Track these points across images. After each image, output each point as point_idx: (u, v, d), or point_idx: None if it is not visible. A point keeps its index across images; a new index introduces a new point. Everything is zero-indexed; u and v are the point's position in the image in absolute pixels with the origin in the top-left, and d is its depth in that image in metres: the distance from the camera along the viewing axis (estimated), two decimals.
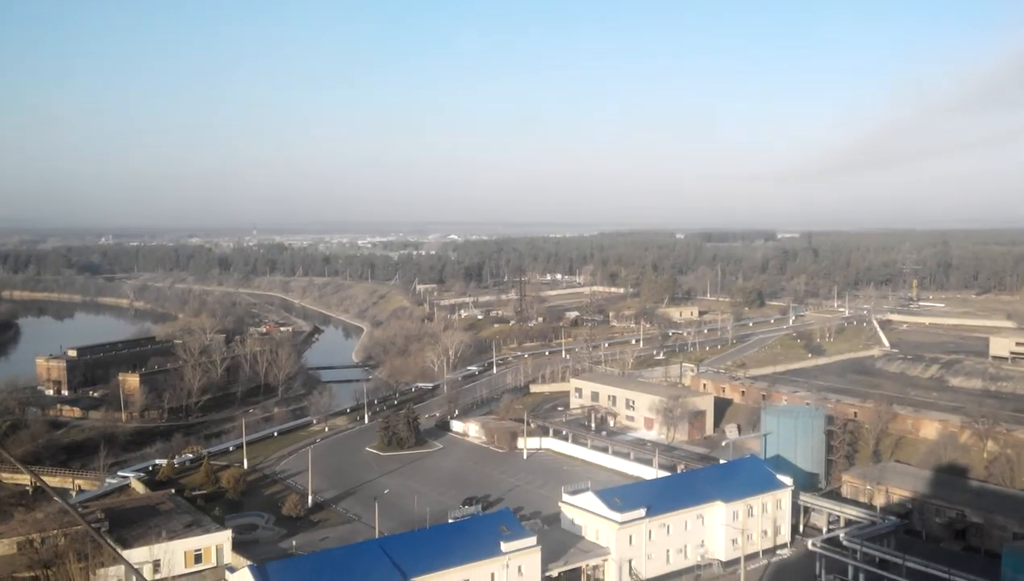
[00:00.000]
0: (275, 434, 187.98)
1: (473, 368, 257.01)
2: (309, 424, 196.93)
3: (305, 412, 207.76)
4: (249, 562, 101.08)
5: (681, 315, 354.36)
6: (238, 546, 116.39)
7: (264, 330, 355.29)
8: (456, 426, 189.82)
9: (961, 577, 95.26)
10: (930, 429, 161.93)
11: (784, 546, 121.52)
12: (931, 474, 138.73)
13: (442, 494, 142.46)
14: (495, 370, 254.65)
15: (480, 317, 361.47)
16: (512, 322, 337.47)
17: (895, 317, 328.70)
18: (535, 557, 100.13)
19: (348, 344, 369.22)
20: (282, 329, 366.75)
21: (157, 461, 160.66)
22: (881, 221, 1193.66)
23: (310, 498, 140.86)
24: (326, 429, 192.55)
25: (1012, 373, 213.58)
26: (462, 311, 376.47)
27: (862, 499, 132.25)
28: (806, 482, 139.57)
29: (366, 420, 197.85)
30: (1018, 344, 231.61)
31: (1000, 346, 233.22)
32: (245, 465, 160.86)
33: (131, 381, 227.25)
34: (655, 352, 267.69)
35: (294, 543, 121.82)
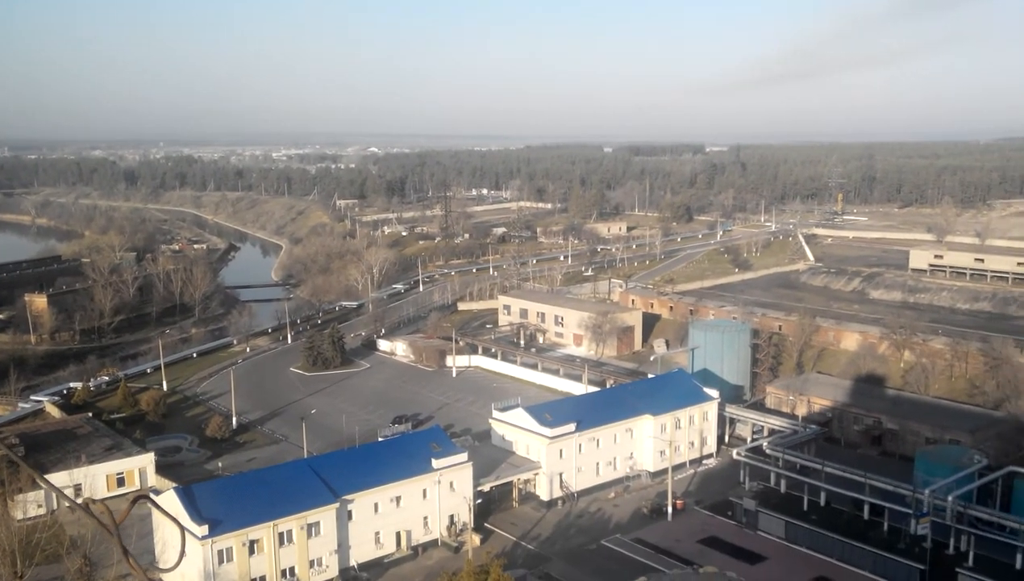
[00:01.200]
0: (194, 355, 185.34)
1: (399, 286, 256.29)
2: (229, 345, 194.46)
3: (224, 333, 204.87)
4: (174, 484, 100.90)
5: (609, 231, 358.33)
6: (162, 469, 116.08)
7: (177, 248, 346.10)
8: (383, 345, 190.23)
9: (876, 480, 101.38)
10: (851, 341, 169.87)
11: (710, 456, 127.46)
12: (851, 384, 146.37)
13: (371, 413, 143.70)
14: (421, 288, 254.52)
15: (404, 234, 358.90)
16: (438, 239, 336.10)
17: (820, 231, 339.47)
18: (467, 473, 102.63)
19: (267, 262, 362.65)
20: (196, 246, 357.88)
21: (72, 384, 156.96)
22: (808, 134, 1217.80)
23: (234, 419, 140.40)
24: (247, 350, 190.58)
25: (930, 285, 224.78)
26: (385, 227, 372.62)
27: (785, 409, 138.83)
28: (732, 394, 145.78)
29: (289, 340, 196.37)
30: (936, 257, 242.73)
31: (919, 259, 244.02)
32: (164, 387, 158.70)
33: (38, 302, 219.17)
34: (584, 268, 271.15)
35: (220, 464, 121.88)
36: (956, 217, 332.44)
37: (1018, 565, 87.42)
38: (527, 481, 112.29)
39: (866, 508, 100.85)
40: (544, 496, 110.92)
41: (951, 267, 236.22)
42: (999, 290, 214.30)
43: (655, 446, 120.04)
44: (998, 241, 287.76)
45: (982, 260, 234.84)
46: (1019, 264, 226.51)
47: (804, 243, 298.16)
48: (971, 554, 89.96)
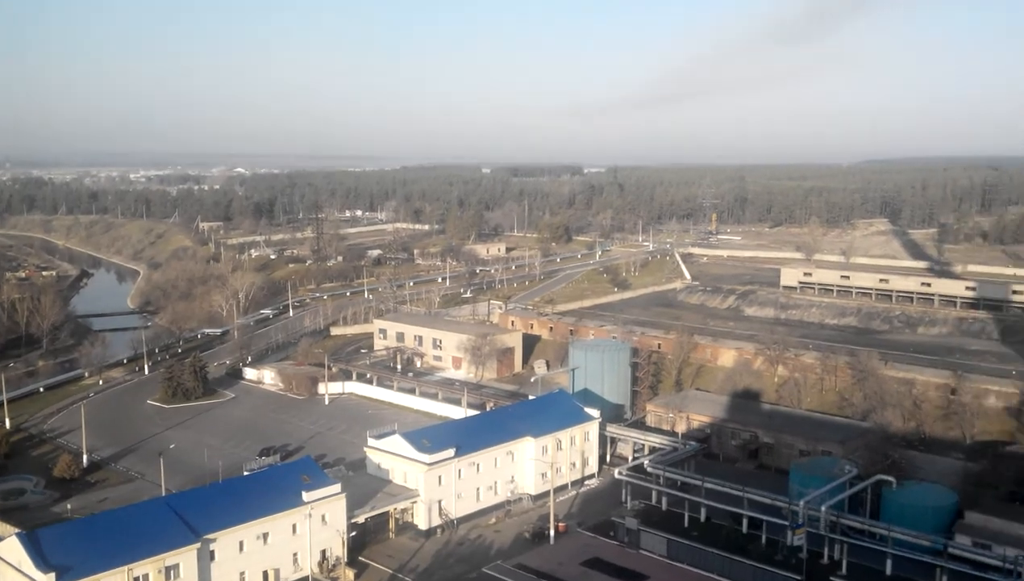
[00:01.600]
0: (41, 390, 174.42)
1: (267, 311, 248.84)
2: (80, 377, 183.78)
3: (75, 364, 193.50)
4: (17, 530, 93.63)
5: (488, 252, 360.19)
6: (4, 513, 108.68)
7: (23, 275, 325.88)
8: (249, 373, 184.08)
9: (754, 493, 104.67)
10: (727, 357, 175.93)
11: (592, 476, 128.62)
12: (728, 399, 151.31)
13: (236, 446, 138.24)
14: (291, 313, 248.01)
15: (273, 257, 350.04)
16: (309, 262, 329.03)
17: (696, 250, 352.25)
18: (339, 504, 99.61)
19: (123, 289, 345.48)
20: (44, 273, 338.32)
21: None
22: (683, 156, 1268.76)
23: (85, 457, 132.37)
24: (100, 382, 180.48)
25: (800, 301, 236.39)
26: (253, 250, 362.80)
27: (665, 427, 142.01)
28: (613, 413, 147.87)
29: (146, 371, 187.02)
30: (806, 274, 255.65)
31: (790, 276, 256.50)
32: (7, 425, 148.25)
33: None
34: (462, 290, 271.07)
35: (69, 506, 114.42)
36: (823, 236, 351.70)
37: (888, 571, 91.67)
38: (404, 510, 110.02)
39: (745, 522, 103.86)
40: (422, 525, 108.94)
41: (819, 284, 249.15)
42: (864, 305, 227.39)
43: (537, 468, 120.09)
44: (861, 259, 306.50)
45: (848, 277, 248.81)
46: (881, 281, 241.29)
47: (681, 262, 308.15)
48: (844, 562, 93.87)
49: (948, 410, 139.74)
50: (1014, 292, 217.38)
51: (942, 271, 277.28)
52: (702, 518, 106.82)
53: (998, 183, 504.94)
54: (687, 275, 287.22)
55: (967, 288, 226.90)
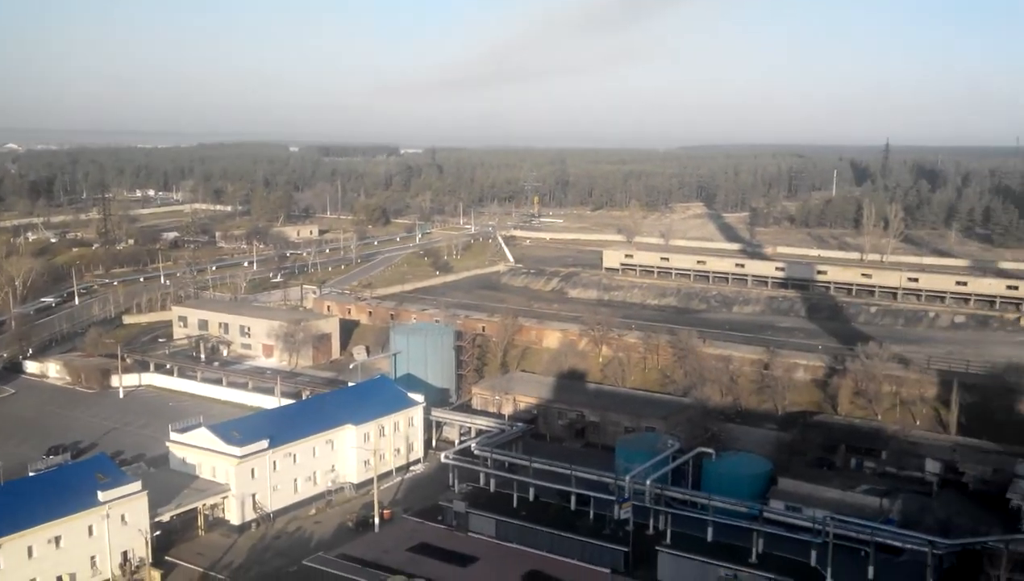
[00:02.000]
0: None
1: (48, 299, 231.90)
2: None
3: None
4: None
5: (299, 234, 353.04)
6: None
7: None
8: (31, 367, 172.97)
9: (581, 471, 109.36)
10: (552, 338, 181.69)
11: (418, 462, 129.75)
12: (554, 380, 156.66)
13: (18, 446, 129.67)
14: (77, 300, 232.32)
15: (54, 240, 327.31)
16: (96, 245, 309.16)
17: (518, 233, 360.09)
18: (140, 503, 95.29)
19: None
20: None
21: None
22: (504, 138, 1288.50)
23: None
24: None
25: (622, 283, 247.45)
26: (30, 234, 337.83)
27: (492, 409, 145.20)
28: (438, 397, 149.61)
29: None
30: (627, 256, 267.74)
31: (612, 258, 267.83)
32: None
33: None
34: (272, 274, 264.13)
35: None
36: (643, 219, 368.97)
37: (709, 538, 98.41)
38: (215, 506, 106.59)
39: (573, 499, 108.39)
40: (235, 520, 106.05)
41: (641, 266, 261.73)
42: (683, 286, 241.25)
43: (359, 456, 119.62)
44: (680, 241, 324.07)
45: (667, 259, 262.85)
46: (699, 262, 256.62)
47: (504, 245, 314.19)
48: (668, 532, 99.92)
49: (762, 384, 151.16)
50: (819, 272, 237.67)
51: (754, 253, 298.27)
52: (531, 498, 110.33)
53: (803, 170, 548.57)
54: (510, 258, 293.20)
55: (777, 269, 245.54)
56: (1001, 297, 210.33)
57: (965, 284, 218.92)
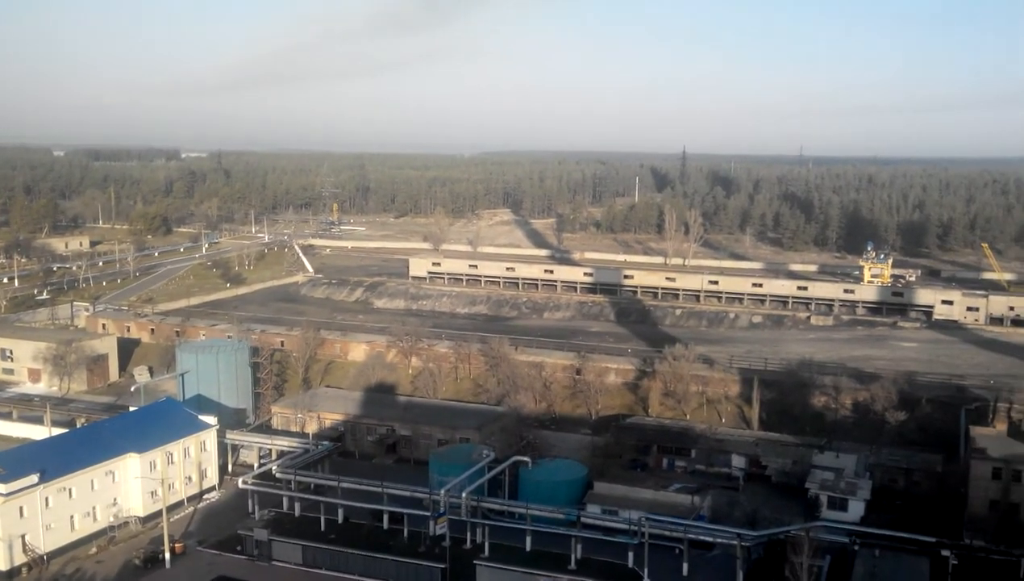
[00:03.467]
0: None
1: None
2: None
3: None
4: None
5: (68, 246, 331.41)
6: None
7: None
8: None
9: (394, 488, 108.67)
10: (358, 351, 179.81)
11: (212, 489, 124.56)
12: (361, 395, 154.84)
13: None
14: None
15: None
16: None
17: (318, 241, 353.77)
18: None
19: None
20: None
21: None
22: (297, 142, 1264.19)
23: None
24: None
25: (430, 291, 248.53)
26: None
27: (294, 428, 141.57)
28: (234, 419, 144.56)
29: None
30: (434, 264, 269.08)
31: (419, 267, 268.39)
32: None
33: None
34: (37, 291, 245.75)
35: None
36: (449, 226, 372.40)
37: (528, 547, 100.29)
38: None
39: (386, 518, 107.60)
40: (2, 565, 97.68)
41: (449, 274, 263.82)
42: (493, 293, 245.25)
43: (144, 487, 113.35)
44: (488, 248, 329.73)
45: (476, 266, 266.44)
46: (508, 269, 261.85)
47: (302, 254, 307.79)
48: (486, 545, 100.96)
49: (575, 389, 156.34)
50: (626, 277, 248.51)
51: (563, 259, 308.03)
52: (340, 520, 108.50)
53: (606, 176, 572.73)
54: (309, 268, 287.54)
55: (585, 274, 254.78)
56: (793, 297, 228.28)
57: (760, 286, 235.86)
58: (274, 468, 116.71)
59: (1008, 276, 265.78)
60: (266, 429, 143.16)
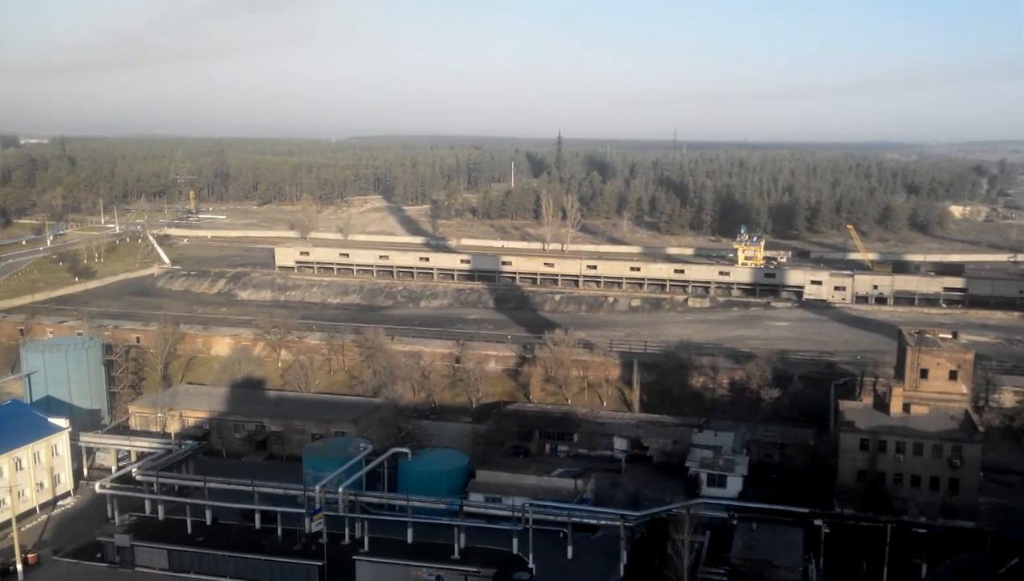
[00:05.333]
0: None
1: None
2: None
3: None
4: None
5: None
6: None
7: None
8: None
9: (265, 486, 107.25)
10: (223, 345, 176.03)
11: (67, 495, 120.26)
12: (227, 391, 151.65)
13: None
14: None
15: None
16: None
17: (174, 231, 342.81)
18: None
19: None
20: None
21: None
22: (148, 127, 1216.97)
23: None
24: None
25: (299, 282, 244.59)
26: None
27: (155, 428, 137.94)
28: (87, 420, 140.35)
29: None
30: (303, 253, 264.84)
31: (286, 256, 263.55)
32: None
33: None
34: None
35: None
36: (317, 213, 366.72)
37: (410, 539, 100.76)
38: None
39: (258, 517, 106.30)
40: None
41: (318, 263, 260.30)
42: (366, 282, 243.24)
43: None
44: (359, 236, 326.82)
45: (347, 255, 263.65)
46: (381, 257, 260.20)
47: (157, 245, 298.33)
48: (366, 539, 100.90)
49: (454, 378, 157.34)
50: (504, 263, 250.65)
51: (439, 246, 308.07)
52: (208, 521, 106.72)
53: (481, 161, 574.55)
54: (166, 259, 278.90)
55: (462, 261, 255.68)
56: (670, 280, 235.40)
57: (638, 270, 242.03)
58: (134, 470, 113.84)
59: (872, 256, 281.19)
60: (124, 430, 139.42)
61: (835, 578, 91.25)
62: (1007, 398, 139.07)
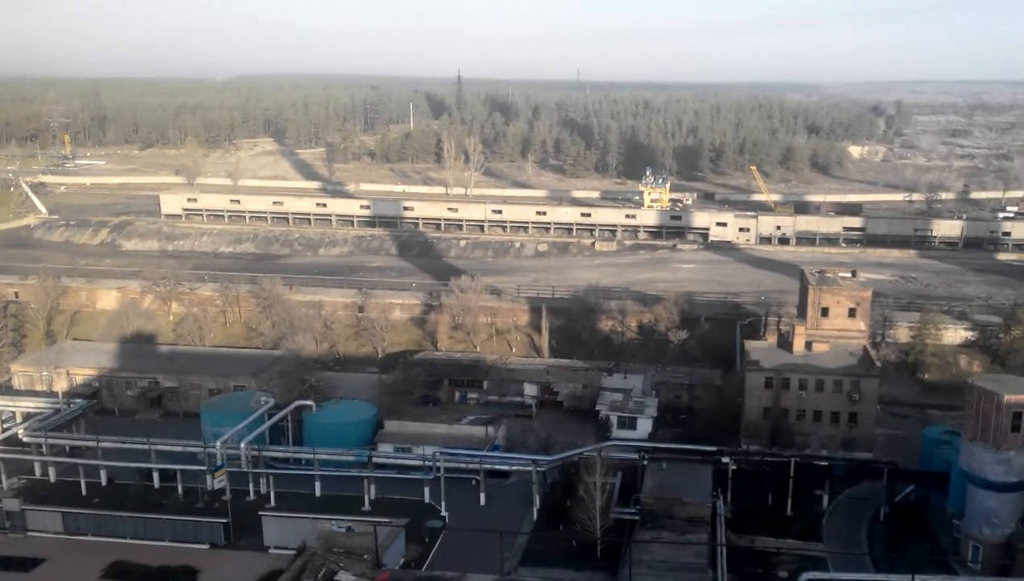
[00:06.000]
0: None
1: None
2: None
3: None
4: None
5: None
6: None
7: None
8: None
9: (162, 444, 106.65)
10: (109, 299, 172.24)
11: None
12: (117, 346, 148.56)
13: None
14: None
15: None
16: None
17: (50, 179, 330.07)
18: None
19: None
20: None
21: None
22: (15, 66, 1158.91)
23: None
24: None
25: (188, 230, 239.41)
26: None
27: (41, 387, 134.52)
28: None
29: None
30: (190, 200, 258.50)
31: (172, 203, 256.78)
32: None
33: None
34: None
35: None
36: (204, 158, 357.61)
37: (318, 493, 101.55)
38: None
39: (156, 476, 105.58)
40: None
41: (208, 210, 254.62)
42: (260, 230, 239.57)
43: None
44: (251, 181, 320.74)
45: (239, 201, 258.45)
46: (275, 203, 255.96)
47: (31, 194, 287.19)
48: (272, 494, 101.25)
49: (358, 327, 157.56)
50: (405, 208, 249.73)
51: (336, 191, 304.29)
52: (104, 482, 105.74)
53: (378, 102, 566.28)
54: (42, 209, 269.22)
55: (362, 207, 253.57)
56: (577, 224, 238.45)
57: (545, 214, 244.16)
58: (20, 432, 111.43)
59: (775, 197, 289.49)
60: (6, 390, 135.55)
61: (742, 512, 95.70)
62: (902, 334, 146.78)
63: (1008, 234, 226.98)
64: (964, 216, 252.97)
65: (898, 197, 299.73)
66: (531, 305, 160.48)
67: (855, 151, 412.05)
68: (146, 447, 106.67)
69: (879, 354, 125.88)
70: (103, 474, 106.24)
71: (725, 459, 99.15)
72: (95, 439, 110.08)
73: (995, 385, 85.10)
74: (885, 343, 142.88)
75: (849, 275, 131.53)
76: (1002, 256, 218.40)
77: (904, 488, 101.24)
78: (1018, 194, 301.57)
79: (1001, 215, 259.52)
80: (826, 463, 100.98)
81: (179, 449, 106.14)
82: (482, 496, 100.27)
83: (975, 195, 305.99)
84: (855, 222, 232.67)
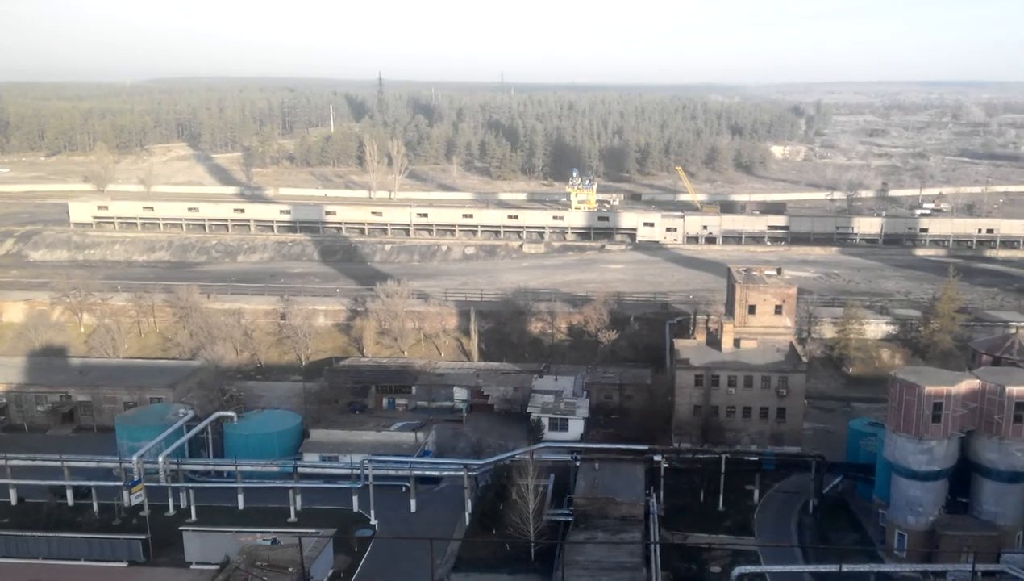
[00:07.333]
0: None
1: None
2: None
3: None
4: None
5: None
6: None
7: None
8: None
9: (75, 460, 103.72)
10: (16, 311, 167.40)
11: None
12: (25, 360, 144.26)
13: None
14: None
15: None
16: None
17: None
18: None
19: None
20: None
21: None
22: None
23: None
24: None
25: (99, 239, 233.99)
26: None
27: None
28: None
29: None
30: (101, 208, 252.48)
31: (81, 212, 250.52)
32: None
33: None
34: None
35: None
36: (115, 164, 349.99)
37: (241, 506, 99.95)
38: None
39: (70, 493, 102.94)
40: None
41: (119, 218, 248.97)
42: (175, 237, 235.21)
43: None
44: (164, 187, 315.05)
45: (152, 208, 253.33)
46: (191, 209, 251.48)
47: None
48: (193, 509, 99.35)
49: (281, 335, 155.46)
50: (327, 213, 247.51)
51: (254, 196, 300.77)
52: (13, 501, 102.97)
53: (296, 105, 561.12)
54: None
55: (282, 212, 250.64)
56: (504, 226, 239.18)
57: (471, 216, 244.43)
58: None
59: (700, 197, 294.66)
60: None
61: (675, 509, 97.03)
62: (826, 329, 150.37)
63: (925, 230, 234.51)
64: (883, 214, 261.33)
65: (820, 196, 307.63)
66: (459, 309, 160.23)
67: (777, 151, 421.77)
68: (58, 464, 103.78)
69: (805, 350, 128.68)
70: (13, 493, 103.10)
71: (657, 458, 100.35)
72: (3, 457, 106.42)
73: (916, 377, 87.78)
74: (811, 339, 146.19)
75: (775, 273, 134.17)
76: (920, 252, 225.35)
77: (832, 480, 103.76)
78: (934, 191, 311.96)
79: (918, 212, 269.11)
80: (756, 458, 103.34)
81: (94, 465, 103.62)
82: (412, 503, 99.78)
83: (893, 193, 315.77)
84: (779, 221, 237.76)
